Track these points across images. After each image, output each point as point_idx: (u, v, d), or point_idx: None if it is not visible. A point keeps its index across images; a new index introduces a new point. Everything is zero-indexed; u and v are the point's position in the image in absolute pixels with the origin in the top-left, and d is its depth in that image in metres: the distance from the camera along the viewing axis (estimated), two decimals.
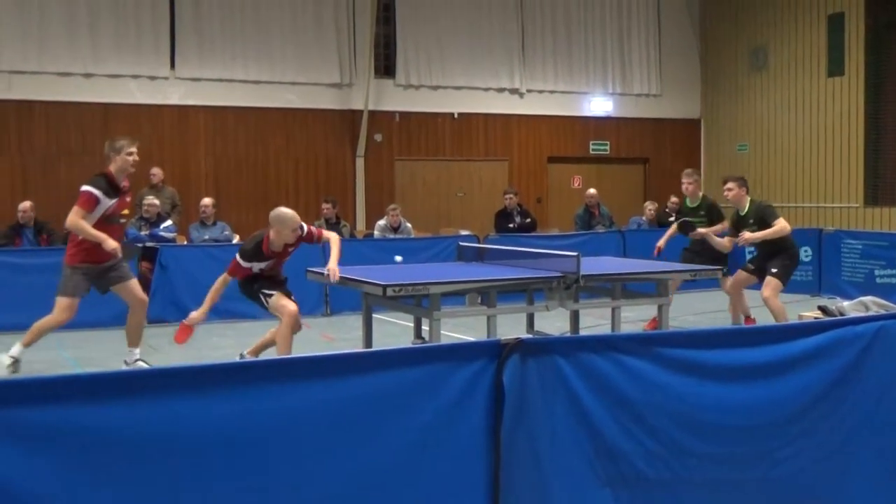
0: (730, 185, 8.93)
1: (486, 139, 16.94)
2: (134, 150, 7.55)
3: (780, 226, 8.63)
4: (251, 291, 7.26)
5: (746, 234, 8.69)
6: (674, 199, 15.50)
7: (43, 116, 13.99)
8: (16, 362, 7.51)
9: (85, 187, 7.27)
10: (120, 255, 7.42)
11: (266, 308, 7.24)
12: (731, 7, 17.85)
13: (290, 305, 7.09)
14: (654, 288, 7.89)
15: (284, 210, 7.31)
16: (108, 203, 7.31)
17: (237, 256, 7.19)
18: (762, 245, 8.93)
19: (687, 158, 18.47)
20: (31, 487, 2.64)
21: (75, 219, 7.22)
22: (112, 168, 7.44)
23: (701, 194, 10.01)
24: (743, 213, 8.93)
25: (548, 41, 17.15)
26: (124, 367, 7.70)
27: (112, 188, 7.37)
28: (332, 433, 3.00)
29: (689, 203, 9.98)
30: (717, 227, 9.58)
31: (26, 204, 11.78)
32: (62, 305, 7.46)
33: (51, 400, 2.68)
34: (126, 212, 7.69)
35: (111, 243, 7.26)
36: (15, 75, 13.73)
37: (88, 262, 7.44)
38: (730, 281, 9.33)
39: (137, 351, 7.88)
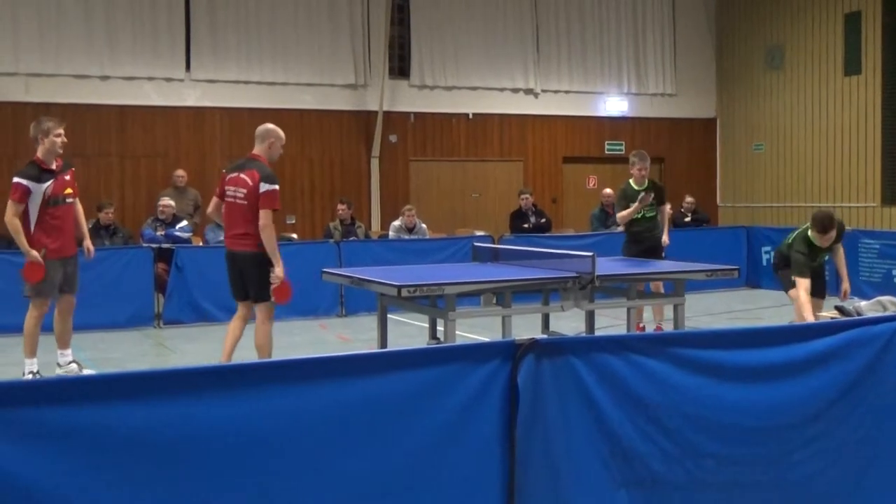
0: (831, 234, 7.63)
1: (501, 140, 16.93)
2: (61, 131, 7.49)
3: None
4: (265, 274, 6.87)
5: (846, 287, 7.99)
6: (689, 198, 15.47)
7: (59, 118, 14.02)
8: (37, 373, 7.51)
9: (14, 179, 7.30)
10: (38, 268, 7.24)
11: (261, 295, 6.93)
12: (747, 5, 17.77)
13: (272, 314, 7.11)
14: (671, 288, 7.87)
15: (269, 125, 7.21)
16: (41, 188, 7.32)
17: (270, 186, 6.77)
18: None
19: (702, 158, 18.43)
20: (48, 488, 2.66)
21: (11, 218, 7.26)
22: (40, 152, 7.41)
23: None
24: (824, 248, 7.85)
25: (562, 41, 17.12)
26: (58, 371, 7.64)
27: (43, 172, 7.36)
28: (347, 434, 3.01)
29: (636, 186, 9.57)
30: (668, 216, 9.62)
31: None
32: (35, 304, 7.42)
33: (68, 401, 2.69)
34: (70, 191, 7.57)
35: (32, 254, 7.23)
36: (32, 78, 13.81)
37: (53, 257, 7.41)
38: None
39: (69, 352, 7.81)
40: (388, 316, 7.82)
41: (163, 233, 11.72)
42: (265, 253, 6.85)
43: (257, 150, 7.07)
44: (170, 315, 10.93)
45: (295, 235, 14.21)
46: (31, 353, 7.47)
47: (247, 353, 7.61)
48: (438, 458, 3.13)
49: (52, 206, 7.38)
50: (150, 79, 14.46)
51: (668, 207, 9.81)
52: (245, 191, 6.86)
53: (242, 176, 6.91)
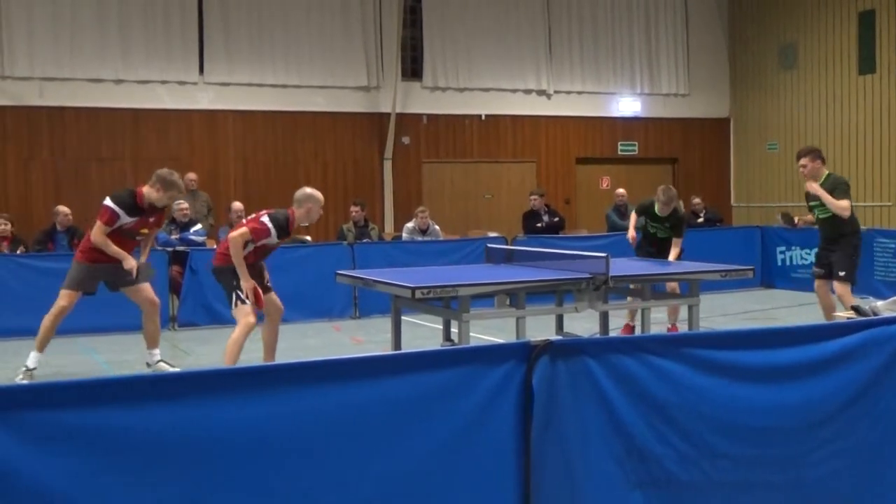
0: (803, 161, 8.44)
1: (514, 140, 16.92)
2: (172, 201, 7.79)
3: (842, 205, 8.23)
4: (228, 283, 7.08)
5: (812, 185, 8.30)
6: (696, 199, 15.42)
7: (74, 122, 14.14)
8: (30, 371, 7.59)
9: (107, 202, 7.46)
10: (135, 275, 7.58)
11: (230, 305, 7.15)
12: (760, 5, 17.71)
13: (252, 318, 7.05)
14: (685, 288, 7.85)
15: (313, 190, 7.43)
16: (127, 220, 7.50)
17: (268, 223, 7.03)
18: (824, 226, 8.58)
19: (716, 158, 18.38)
20: (64, 490, 2.67)
21: (100, 236, 7.43)
22: (146, 191, 7.55)
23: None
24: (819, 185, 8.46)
25: (575, 42, 17.10)
26: (147, 369, 7.86)
27: (136, 208, 7.53)
28: (362, 436, 3.01)
29: (658, 212, 9.43)
30: (675, 252, 9.35)
31: (65, 209, 11.87)
32: (61, 294, 7.65)
33: (84, 403, 2.71)
34: (146, 231, 7.79)
35: (130, 262, 7.50)
36: (47, 82, 13.89)
37: (99, 261, 7.60)
38: (817, 284, 8.83)
39: (157, 351, 8.03)
40: (402, 318, 7.82)
41: (177, 236, 11.76)
42: (222, 266, 7.11)
43: (295, 209, 7.25)
44: (184, 318, 10.97)
45: (308, 237, 14.23)
46: (38, 346, 7.64)
47: (254, 356, 7.64)
48: (453, 460, 3.13)
49: (121, 237, 7.57)
50: (164, 82, 14.52)
51: (680, 243, 9.45)
52: (255, 216, 7.23)
53: (266, 211, 7.26)
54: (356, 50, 15.61)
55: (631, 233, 9.61)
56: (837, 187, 8.38)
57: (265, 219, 7.06)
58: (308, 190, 7.42)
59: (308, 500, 2.96)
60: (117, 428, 2.73)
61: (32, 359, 7.60)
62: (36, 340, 7.66)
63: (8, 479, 2.61)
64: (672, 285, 8.92)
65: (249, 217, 7.39)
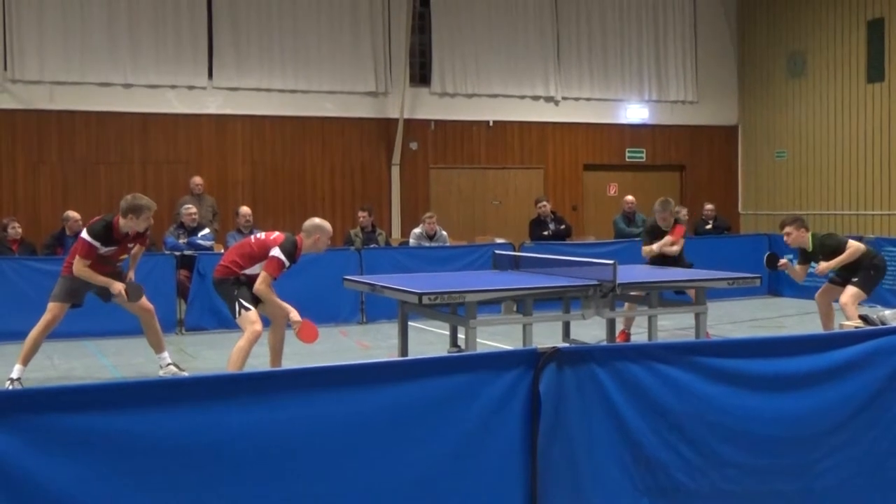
0: (787, 229, 8.64)
1: (522, 147, 16.92)
2: (148, 224, 7.68)
3: (853, 248, 8.41)
4: (229, 293, 7.19)
5: (822, 265, 8.46)
6: (708, 206, 15.40)
7: (84, 126, 14.18)
8: (15, 381, 7.52)
9: (84, 235, 7.49)
10: (126, 298, 7.60)
11: (234, 315, 7.19)
12: (769, 12, 17.70)
13: (258, 326, 7.06)
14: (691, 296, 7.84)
15: (322, 221, 7.39)
16: (104, 250, 7.53)
17: (279, 255, 7.02)
18: (841, 270, 8.64)
19: (724, 166, 18.35)
20: (71, 493, 2.68)
21: (81, 269, 7.47)
22: (122, 222, 7.52)
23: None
24: (810, 251, 8.70)
25: (583, 48, 17.11)
26: (160, 373, 7.89)
27: (112, 239, 7.53)
28: (370, 441, 3.02)
29: (662, 226, 9.61)
30: (668, 240, 9.44)
31: (75, 214, 11.88)
32: (49, 307, 7.67)
33: (91, 407, 2.72)
34: (124, 256, 7.82)
35: (116, 287, 7.51)
36: (57, 86, 13.93)
37: None
38: (819, 292, 9.00)
39: (165, 355, 8.07)
40: (409, 323, 7.82)
41: (185, 240, 11.78)
42: (222, 278, 7.26)
43: (303, 238, 7.23)
44: (191, 322, 10.98)
45: None
46: (22, 359, 7.60)
47: (261, 361, 7.65)
48: (460, 466, 3.13)
49: (100, 263, 7.59)
50: (173, 87, 14.56)
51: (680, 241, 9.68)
52: (263, 237, 7.26)
53: (276, 233, 7.29)
54: (364, 55, 15.64)
55: (646, 249, 9.58)
56: (834, 245, 8.48)
57: (277, 253, 7.02)
58: (317, 220, 7.39)
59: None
60: (125, 432, 2.74)
61: (17, 371, 7.55)
62: (21, 354, 7.61)
63: (16, 481, 2.63)
64: (692, 292, 8.94)
65: (258, 236, 7.36)
